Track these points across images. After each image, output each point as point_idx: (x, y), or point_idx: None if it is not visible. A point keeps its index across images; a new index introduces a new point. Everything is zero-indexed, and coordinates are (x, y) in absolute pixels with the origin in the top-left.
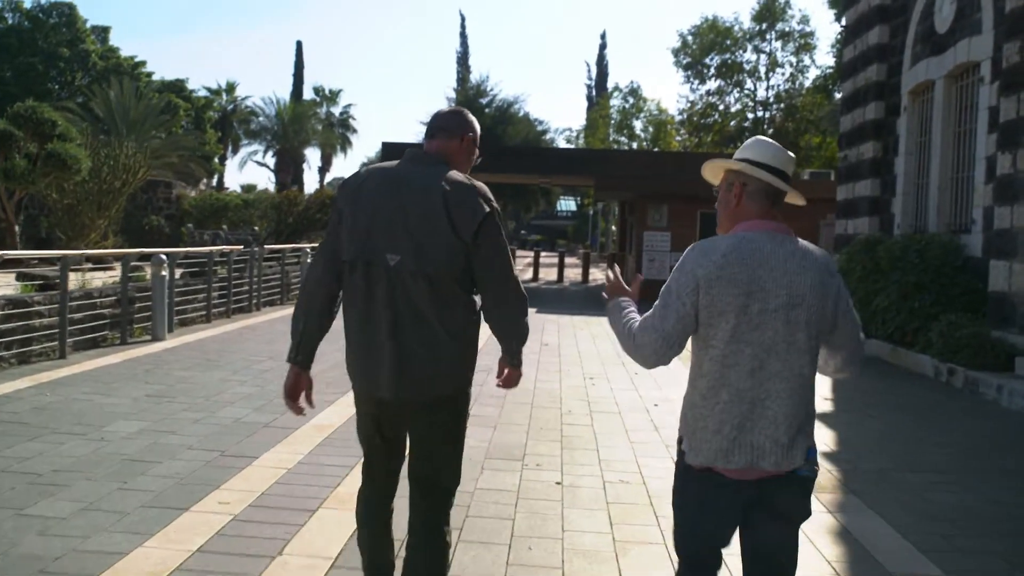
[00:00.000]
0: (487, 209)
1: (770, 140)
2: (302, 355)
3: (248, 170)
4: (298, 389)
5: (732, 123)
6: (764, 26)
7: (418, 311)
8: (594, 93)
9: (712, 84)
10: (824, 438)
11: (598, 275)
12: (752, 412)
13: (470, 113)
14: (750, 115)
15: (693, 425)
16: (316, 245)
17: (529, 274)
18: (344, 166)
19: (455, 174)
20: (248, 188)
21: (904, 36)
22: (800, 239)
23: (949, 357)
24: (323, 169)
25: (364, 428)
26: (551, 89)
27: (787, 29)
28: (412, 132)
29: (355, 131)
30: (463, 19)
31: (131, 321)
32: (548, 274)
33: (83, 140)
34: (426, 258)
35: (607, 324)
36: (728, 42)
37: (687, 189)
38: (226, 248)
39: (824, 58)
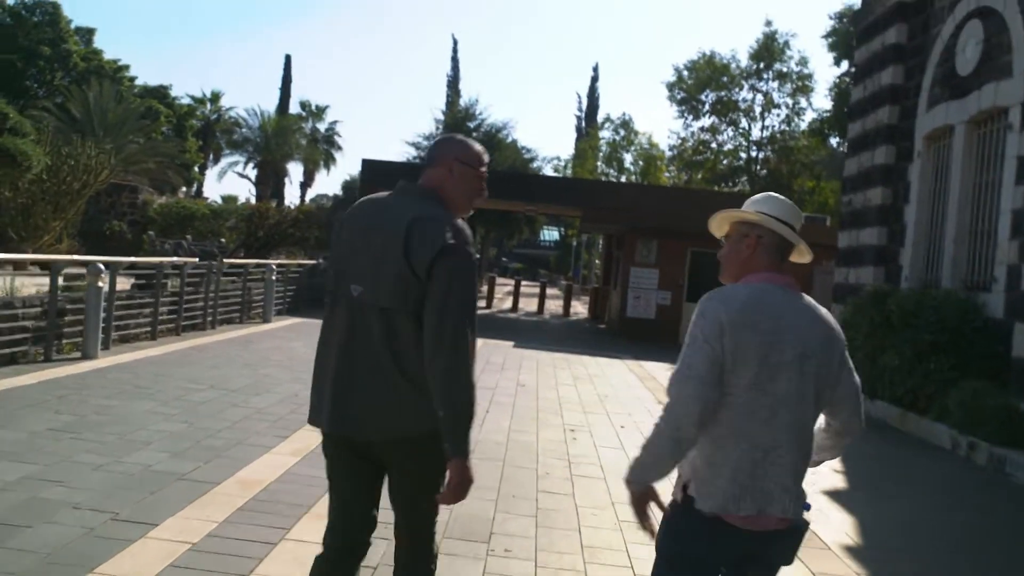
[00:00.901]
0: (449, 241)
1: (781, 196)
2: None
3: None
4: None
5: (724, 161)
6: (761, 65)
7: (372, 345)
8: (583, 124)
9: (706, 121)
10: (841, 524)
11: (580, 308)
12: (765, 460)
13: (461, 136)
14: (743, 154)
15: (704, 472)
16: (283, 262)
17: (508, 303)
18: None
19: (432, 205)
20: (229, 199)
21: (920, 78)
22: (805, 296)
23: (970, 429)
24: (305, 184)
25: (327, 467)
26: (540, 118)
27: (785, 70)
28: (396, 152)
29: (340, 148)
30: (455, 43)
31: (59, 336)
32: (528, 304)
33: (40, 137)
34: (381, 290)
35: (588, 362)
36: (725, 79)
37: (679, 225)
38: (179, 260)
39: (821, 101)
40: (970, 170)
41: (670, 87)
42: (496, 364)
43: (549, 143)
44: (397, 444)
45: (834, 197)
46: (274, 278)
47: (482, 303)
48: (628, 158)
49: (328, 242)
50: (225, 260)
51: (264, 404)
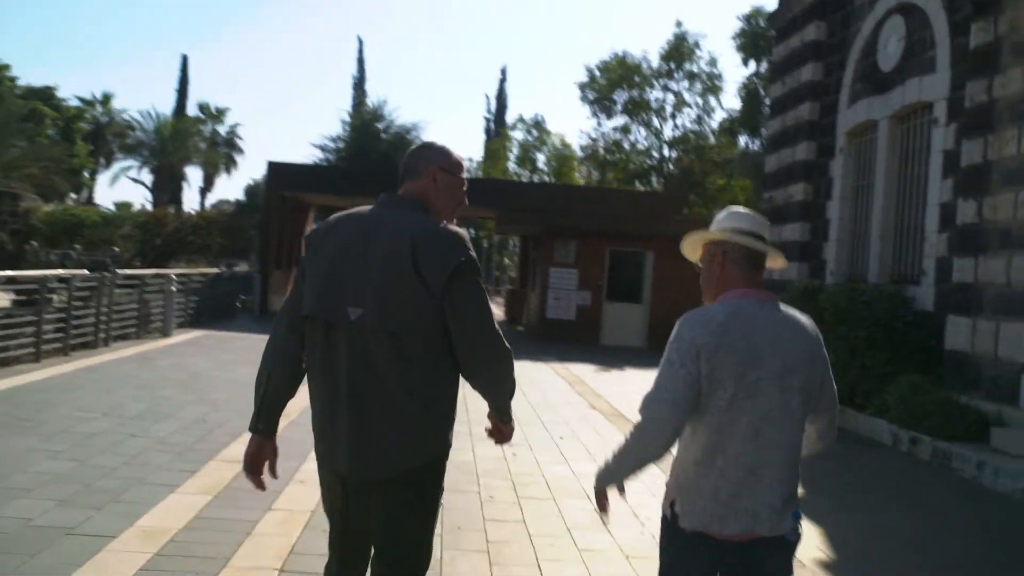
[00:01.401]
0: (462, 257)
1: (742, 208)
2: (263, 422)
3: (123, 187)
4: (260, 460)
5: (638, 160)
6: (672, 65)
7: (379, 372)
8: (492, 126)
9: (619, 120)
10: (809, 537)
11: (496, 311)
12: (749, 479)
13: (439, 143)
14: (655, 154)
15: (687, 489)
16: (184, 271)
17: None
18: (228, 187)
19: (427, 218)
20: (123, 206)
21: (841, 74)
22: (784, 305)
23: (912, 424)
24: (205, 189)
25: (327, 501)
26: (449, 120)
27: (695, 70)
28: (303, 154)
29: (241, 151)
30: (361, 44)
31: None
32: None
33: None
34: (389, 313)
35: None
36: (637, 79)
37: (597, 225)
38: (65, 272)
39: (731, 101)
40: (894, 165)
41: (582, 87)
42: None
43: (459, 145)
44: (410, 475)
45: (744, 195)
46: (174, 289)
47: None
48: (541, 159)
49: (231, 249)
50: (119, 271)
51: (166, 432)
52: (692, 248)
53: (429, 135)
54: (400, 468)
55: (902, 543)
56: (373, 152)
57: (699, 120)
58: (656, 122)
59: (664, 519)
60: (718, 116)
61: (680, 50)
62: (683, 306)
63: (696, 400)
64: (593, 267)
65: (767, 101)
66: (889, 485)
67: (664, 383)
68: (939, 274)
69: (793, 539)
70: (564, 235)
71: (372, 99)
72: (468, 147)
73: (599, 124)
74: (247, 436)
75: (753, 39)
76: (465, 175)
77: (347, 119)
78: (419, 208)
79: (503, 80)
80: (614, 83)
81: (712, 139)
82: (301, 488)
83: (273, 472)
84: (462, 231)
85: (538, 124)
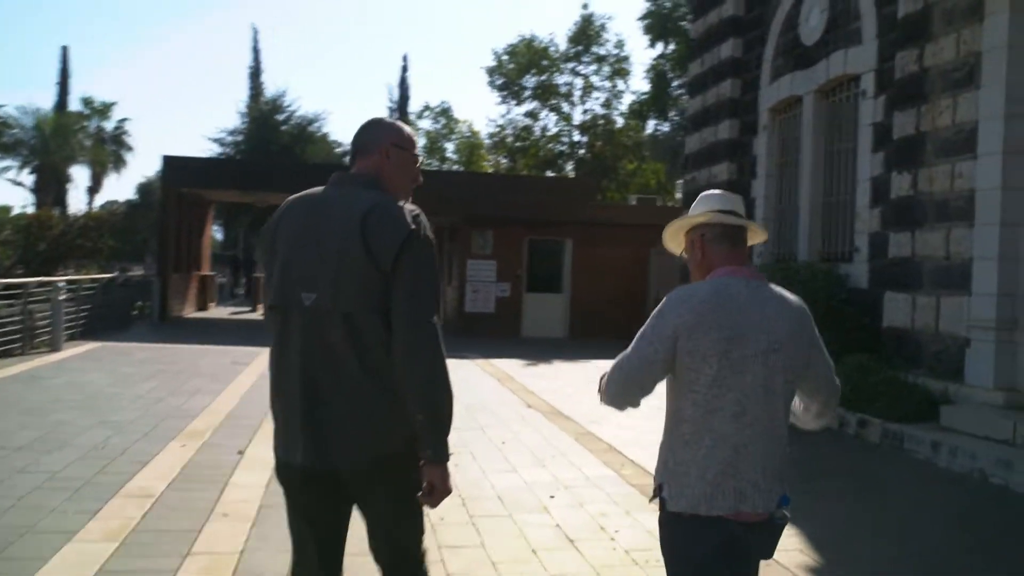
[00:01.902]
0: (411, 228)
1: (713, 190)
2: None
3: (1, 190)
4: None
5: (549, 146)
6: (580, 48)
7: (336, 357)
8: (396, 116)
9: (529, 106)
10: (786, 537)
11: None
12: (735, 457)
13: (388, 119)
14: (565, 139)
15: (674, 471)
16: (74, 277)
17: None
18: (118, 187)
19: (379, 195)
20: (1, 210)
21: (761, 50)
22: (771, 284)
23: (859, 406)
24: (92, 189)
25: (289, 511)
26: (351, 111)
27: (603, 53)
28: (199, 149)
29: (130, 148)
30: (256, 33)
31: None
32: None
33: None
34: (342, 294)
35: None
36: (545, 62)
37: (514, 213)
38: None
39: (639, 84)
40: (821, 140)
41: (490, 72)
42: None
43: None
44: (381, 464)
45: (655, 178)
46: (63, 298)
47: None
48: (450, 147)
49: (124, 252)
50: None
51: (60, 465)
52: (674, 241)
53: (332, 126)
54: (366, 457)
55: (873, 532)
56: (274, 144)
57: (608, 104)
58: (565, 107)
59: (659, 505)
60: (627, 100)
61: (587, 32)
62: (603, 295)
63: (651, 378)
64: (511, 257)
65: (675, 83)
66: (844, 471)
67: (630, 354)
68: (873, 250)
69: (780, 521)
70: (481, 225)
71: (270, 90)
72: None
73: (509, 110)
74: (156, 463)
75: (660, 20)
76: (419, 151)
77: (244, 111)
78: (372, 186)
79: (405, 69)
80: (522, 68)
81: (621, 123)
82: (225, 525)
83: None
84: (414, 207)
85: (445, 112)
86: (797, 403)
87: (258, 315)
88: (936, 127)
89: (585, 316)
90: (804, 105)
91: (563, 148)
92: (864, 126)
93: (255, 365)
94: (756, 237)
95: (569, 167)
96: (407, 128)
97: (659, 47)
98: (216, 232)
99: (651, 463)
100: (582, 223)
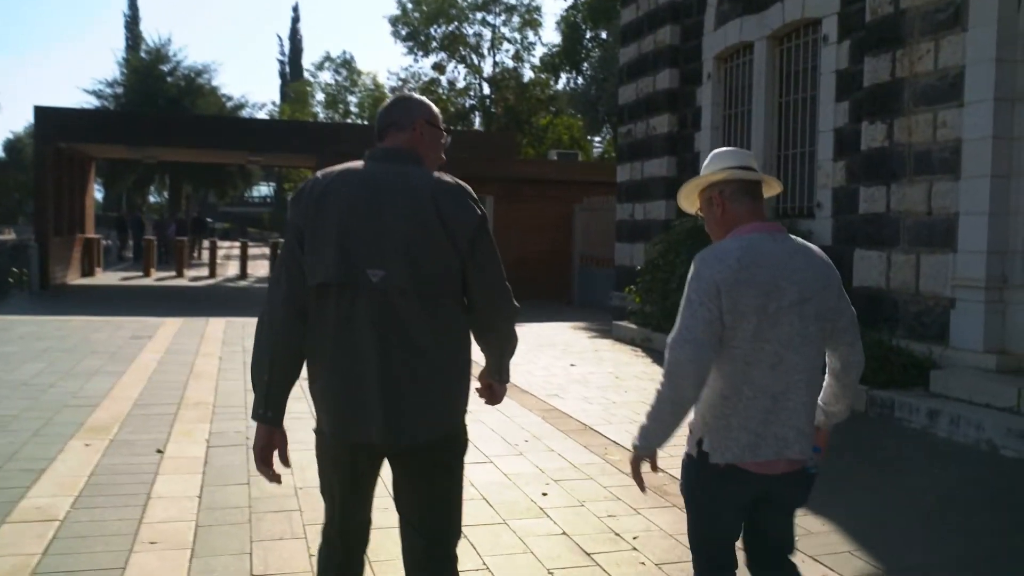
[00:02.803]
0: (479, 212)
1: (724, 148)
2: (272, 409)
3: None
4: (270, 451)
5: (458, 100)
6: None
7: (409, 335)
8: (288, 70)
9: (436, 58)
10: (805, 522)
11: None
12: (775, 406)
13: (417, 95)
14: (474, 93)
15: (715, 425)
16: None
17: (233, 270)
18: None
19: (440, 174)
20: None
21: None
22: (793, 236)
23: None
24: None
25: (336, 483)
26: (240, 64)
27: (513, 3)
28: (72, 99)
29: None
30: None
31: None
32: (258, 269)
33: None
34: (419, 272)
35: None
36: (453, 11)
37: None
38: None
39: (550, 35)
40: (774, 89)
41: (393, 22)
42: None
43: (253, 90)
44: (444, 441)
45: (568, 134)
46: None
47: (204, 272)
48: (353, 101)
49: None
50: None
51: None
52: (688, 200)
53: (222, 78)
54: (439, 431)
55: (910, 513)
56: (160, 97)
57: (518, 56)
58: (474, 59)
59: (690, 460)
60: (539, 52)
61: None
62: (527, 253)
63: (719, 337)
64: None
65: (589, 35)
66: (843, 445)
67: (687, 323)
68: (838, 205)
69: (814, 471)
70: None
71: (151, 39)
72: (263, 91)
73: (416, 61)
74: (55, 472)
75: None
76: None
77: (122, 61)
78: (418, 162)
79: (296, 19)
80: (430, 17)
81: (532, 75)
82: (154, 557)
83: (284, 461)
84: (468, 186)
85: (347, 63)
86: (829, 390)
87: (151, 281)
88: (915, 73)
89: (510, 276)
90: (756, 52)
91: (473, 103)
92: (826, 74)
93: (158, 339)
94: (772, 189)
95: (479, 122)
96: (435, 106)
97: None
98: (96, 192)
99: (630, 443)
100: (504, 179)
